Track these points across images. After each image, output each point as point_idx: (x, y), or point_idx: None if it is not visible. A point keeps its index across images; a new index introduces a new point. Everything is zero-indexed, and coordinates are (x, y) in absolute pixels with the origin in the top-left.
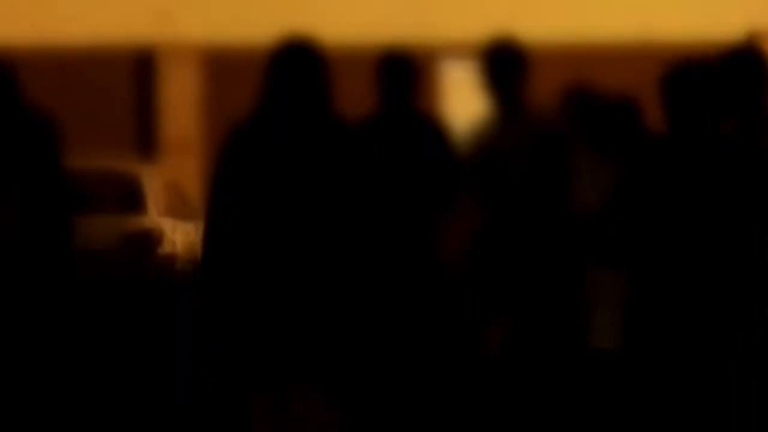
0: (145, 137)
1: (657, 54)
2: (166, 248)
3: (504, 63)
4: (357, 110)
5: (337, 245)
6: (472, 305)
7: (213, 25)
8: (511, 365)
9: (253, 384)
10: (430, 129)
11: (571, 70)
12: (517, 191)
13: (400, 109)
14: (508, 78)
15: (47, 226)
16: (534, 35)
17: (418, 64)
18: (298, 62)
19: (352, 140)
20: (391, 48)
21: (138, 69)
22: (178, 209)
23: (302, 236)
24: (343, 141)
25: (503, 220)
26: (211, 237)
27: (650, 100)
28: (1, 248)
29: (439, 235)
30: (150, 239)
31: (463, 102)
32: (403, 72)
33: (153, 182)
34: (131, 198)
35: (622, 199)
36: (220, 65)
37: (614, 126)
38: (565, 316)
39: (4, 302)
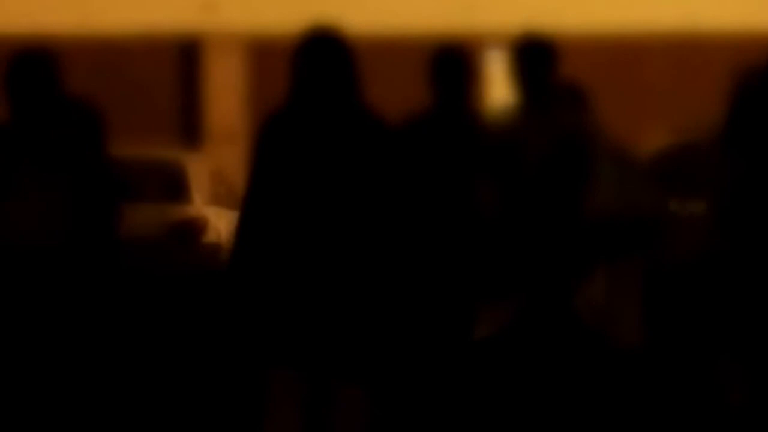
0: (190, 126)
1: (701, 45)
2: (210, 237)
3: (533, 57)
4: (406, 99)
5: (365, 234)
6: (483, 281)
7: (257, 14)
8: (518, 342)
9: (289, 378)
10: (478, 129)
11: (614, 61)
12: (533, 186)
13: (455, 109)
14: (535, 73)
15: (93, 217)
16: (577, 26)
17: (473, 61)
18: (322, 52)
19: (380, 129)
20: (445, 44)
21: (183, 58)
22: (222, 198)
23: (333, 225)
24: (371, 130)
25: (517, 213)
26: (245, 226)
27: (696, 92)
28: (47, 238)
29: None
30: (194, 228)
31: (505, 92)
32: (459, 70)
33: (198, 171)
34: (176, 187)
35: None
36: (265, 54)
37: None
38: (573, 307)
39: (50, 292)
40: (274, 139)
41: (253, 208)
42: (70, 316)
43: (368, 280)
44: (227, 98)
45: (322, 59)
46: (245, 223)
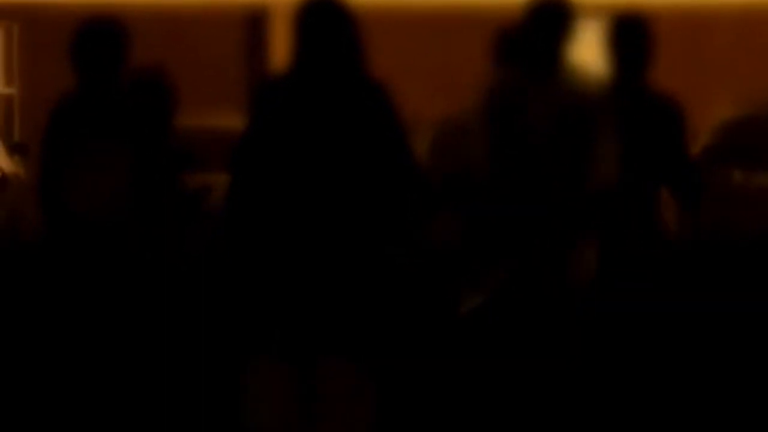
0: None
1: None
2: None
3: (548, 26)
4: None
5: (365, 202)
6: (474, 247)
7: None
8: (509, 309)
9: (280, 355)
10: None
11: (681, 32)
12: (535, 157)
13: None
14: (550, 41)
15: (156, 188)
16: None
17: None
18: (322, 18)
19: (379, 96)
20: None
21: (250, 28)
22: None
23: (329, 192)
24: (369, 97)
25: (519, 179)
26: (238, 195)
27: (763, 64)
28: (112, 209)
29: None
30: None
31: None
32: (564, 22)
33: None
34: None
35: None
36: None
37: None
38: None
39: (114, 262)
40: (271, 103)
41: (245, 175)
42: (131, 287)
43: (364, 251)
44: None
45: (321, 24)
46: (237, 189)
